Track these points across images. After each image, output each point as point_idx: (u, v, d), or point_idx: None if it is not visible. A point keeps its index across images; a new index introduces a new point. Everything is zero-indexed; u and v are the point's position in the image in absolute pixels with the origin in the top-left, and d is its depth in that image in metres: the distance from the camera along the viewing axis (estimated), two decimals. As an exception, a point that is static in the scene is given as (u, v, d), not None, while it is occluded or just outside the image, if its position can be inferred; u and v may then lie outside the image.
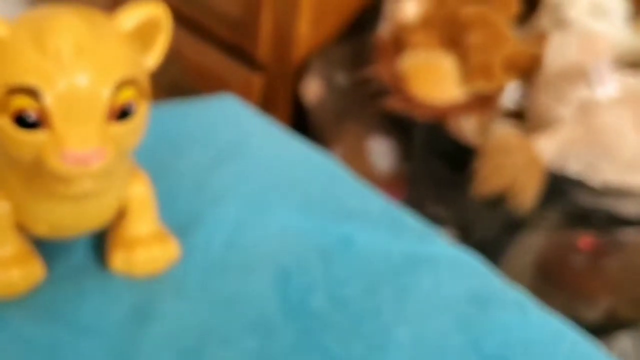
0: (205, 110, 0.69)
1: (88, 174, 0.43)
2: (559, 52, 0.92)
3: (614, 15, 0.98)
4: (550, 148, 0.87)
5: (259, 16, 1.17)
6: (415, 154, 0.97)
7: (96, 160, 0.42)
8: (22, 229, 0.48)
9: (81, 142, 0.42)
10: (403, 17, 1.04)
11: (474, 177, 0.89)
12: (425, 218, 0.93)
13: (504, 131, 0.89)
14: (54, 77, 0.41)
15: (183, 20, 1.30)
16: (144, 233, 0.50)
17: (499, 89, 0.96)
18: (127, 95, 0.43)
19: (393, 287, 0.51)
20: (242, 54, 1.21)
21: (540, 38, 0.96)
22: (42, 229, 0.48)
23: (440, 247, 0.56)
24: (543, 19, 1.00)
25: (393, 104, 0.99)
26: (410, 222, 0.59)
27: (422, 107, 0.97)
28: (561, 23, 0.97)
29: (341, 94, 1.08)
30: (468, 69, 0.97)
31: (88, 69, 0.42)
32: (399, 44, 1.03)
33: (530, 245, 0.92)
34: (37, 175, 0.44)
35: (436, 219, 0.96)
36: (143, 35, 0.45)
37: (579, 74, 0.87)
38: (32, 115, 0.41)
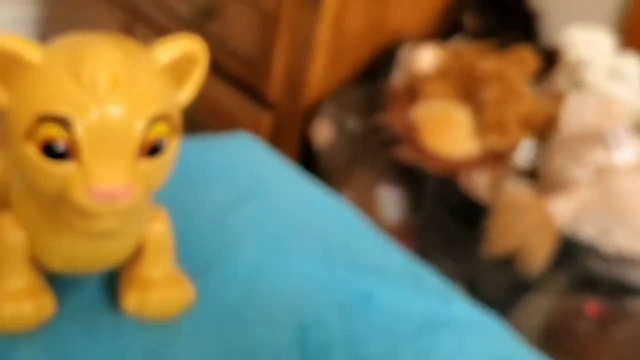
0: (223, 148, 0.68)
1: (113, 212, 0.41)
2: (576, 113, 0.91)
3: (632, 80, 0.98)
4: (565, 210, 0.85)
5: (273, 55, 1.16)
6: (425, 206, 0.96)
7: (124, 198, 0.40)
8: (35, 261, 0.46)
9: (110, 177, 0.40)
10: (419, 67, 1.04)
11: (485, 235, 0.87)
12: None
13: (517, 189, 0.88)
14: (87, 107, 0.39)
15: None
16: (159, 275, 0.48)
17: (513, 146, 0.95)
18: (160, 130, 0.41)
19: (414, 349, 0.49)
20: (253, 91, 1.20)
21: (557, 98, 0.96)
22: (56, 264, 0.46)
23: (462, 308, 0.55)
24: (560, 79, 1.00)
25: (404, 153, 0.98)
26: (431, 280, 0.58)
27: (434, 159, 0.96)
28: (579, 84, 0.97)
29: (352, 139, 1.06)
30: (482, 124, 0.96)
31: (123, 101, 0.40)
32: (413, 93, 1.02)
33: (538, 308, 0.90)
34: (58, 207, 0.42)
35: (443, 274, 0.94)
36: (178, 69, 0.43)
37: (596, 137, 0.87)
38: (61, 145, 0.40)
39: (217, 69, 1.25)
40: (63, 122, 0.39)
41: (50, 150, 0.40)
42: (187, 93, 0.44)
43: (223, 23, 1.25)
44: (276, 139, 1.19)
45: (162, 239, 0.49)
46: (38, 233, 0.45)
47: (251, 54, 1.20)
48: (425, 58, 1.04)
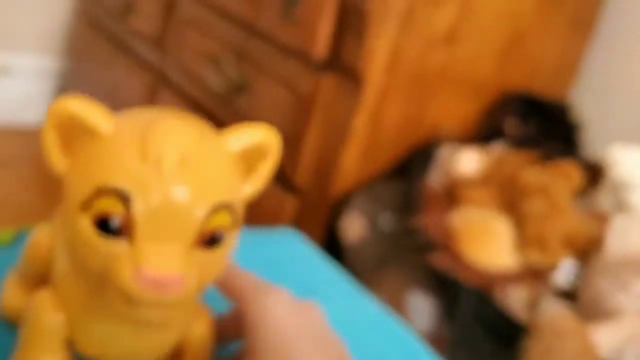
0: (269, 245, 0.64)
1: (160, 302, 0.37)
2: (621, 236, 0.87)
3: (678, 206, 0.95)
4: (608, 340, 0.81)
5: (304, 138, 1.13)
6: (458, 318, 0.91)
7: (175, 288, 0.37)
8: (70, 343, 0.42)
9: (163, 263, 0.37)
10: (460, 170, 1.00)
11: (522, 356, 0.82)
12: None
13: (558, 312, 0.83)
14: (150, 185, 0.37)
15: (217, 125, 1.26)
16: None
17: (553, 265, 0.91)
18: (221, 220, 0.38)
19: None
20: (279, 173, 1.16)
21: (600, 217, 0.92)
22: (91, 350, 0.42)
23: None
24: (603, 197, 0.97)
25: (439, 260, 0.93)
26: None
27: (470, 269, 0.92)
28: (623, 206, 0.93)
29: (384, 238, 1.02)
30: (523, 238, 0.92)
31: (188, 184, 0.37)
32: (452, 196, 0.99)
33: None
34: (102, 288, 0.38)
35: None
36: (248, 159, 0.41)
37: (645, 266, 0.83)
38: (117, 221, 0.37)
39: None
40: (122, 197, 0.37)
41: (104, 225, 0.37)
42: (254, 186, 0.41)
43: (253, 100, 1.22)
44: (300, 226, 1.15)
45: (204, 343, 0.44)
46: (78, 314, 0.41)
47: (281, 135, 1.16)
48: (466, 161, 1.01)
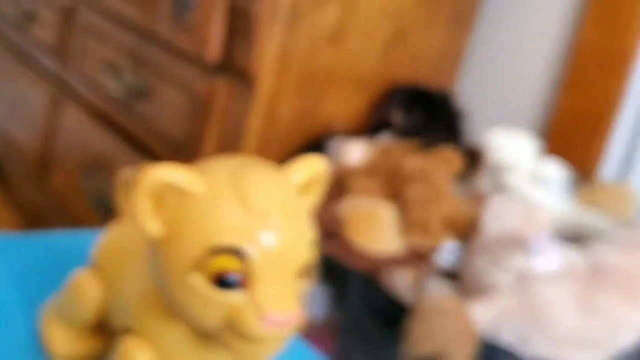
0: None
1: (281, 337, 0.41)
2: (497, 217, 0.92)
3: (553, 185, 1.00)
4: (485, 316, 0.85)
5: (202, 140, 1.16)
6: (348, 305, 0.95)
7: (292, 323, 0.41)
8: None
9: (281, 305, 0.40)
10: (347, 161, 1.04)
11: (406, 337, 0.86)
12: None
13: (438, 293, 0.88)
14: (261, 237, 0.40)
15: (127, 137, 1.28)
16: None
17: (435, 247, 0.95)
18: (314, 252, 0.42)
19: None
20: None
21: (479, 199, 0.97)
22: None
23: None
24: (483, 180, 1.02)
25: (330, 248, 0.97)
26: None
27: (358, 255, 0.95)
28: (501, 187, 0.99)
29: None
30: (407, 222, 0.97)
31: (290, 227, 0.41)
32: (339, 187, 1.03)
33: (457, 412, 0.89)
34: (218, 332, 0.42)
35: (363, 375, 0.93)
36: (306, 186, 0.45)
37: (517, 242, 0.88)
38: (236, 276, 0.40)
39: (143, 150, 1.24)
40: (237, 253, 0.40)
41: (222, 282, 0.40)
42: (311, 209, 0.45)
43: (152, 105, 1.24)
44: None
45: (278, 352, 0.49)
46: (172, 356, 0.44)
47: (180, 137, 1.19)
48: (353, 153, 1.05)
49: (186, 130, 1.18)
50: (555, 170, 1.01)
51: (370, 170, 1.02)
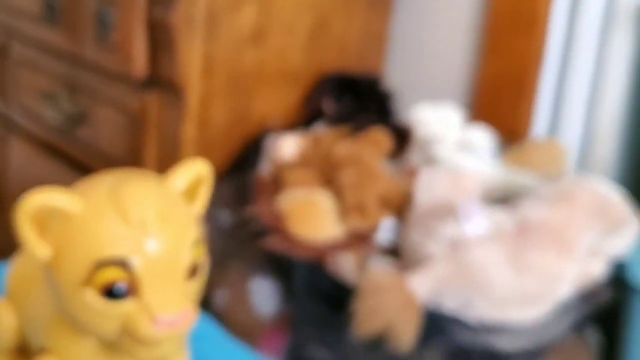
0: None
1: (175, 336, 0.44)
2: (427, 189, 0.94)
3: (481, 151, 1.02)
4: (424, 286, 0.87)
5: (142, 156, 1.17)
6: (296, 295, 0.97)
7: (186, 321, 0.43)
8: None
9: (171, 306, 0.43)
10: (281, 156, 1.06)
11: (352, 318, 0.88)
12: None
13: (377, 270, 0.90)
14: (143, 246, 0.43)
15: (65, 158, 1.29)
16: None
17: (374, 226, 0.97)
18: (199, 252, 0.45)
19: None
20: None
21: (411, 174, 0.99)
22: None
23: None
24: (414, 156, 1.04)
25: (273, 243, 0.99)
26: None
27: (301, 246, 0.97)
28: (430, 160, 1.01)
29: (225, 234, 1.07)
30: (344, 207, 0.98)
31: (170, 233, 0.44)
32: (277, 183, 1.04)
33: (413, 384, 0.91)
34: (116, 341, 0.44)
35: (319, 361, 0.94)
36: (191, 190, 0.48)
37: (447, 211, 0.90)
38: (123, 286, 0.42)
39: (89, 173, 1.25)
40: (122, 264, 0.42)
41: (111, 293, 0.42)
42: (198, 210, 0.48)
43: (92, 128, 1.25)
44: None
45: (184, 351, 0.51)
46: None
47: (121, 156, 1.20)
48: (286, 147, 1.07)
49: (125, 148, 1.19)
50: (482, 137, 1.03)
51: (304, 161, 1.04)
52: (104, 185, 0.45)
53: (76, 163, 1.29)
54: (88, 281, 0.42)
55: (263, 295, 0.99)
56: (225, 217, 1.08)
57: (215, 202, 1.13)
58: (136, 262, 0.42)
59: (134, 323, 0.43)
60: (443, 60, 1.23)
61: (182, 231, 0.44)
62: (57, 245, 0.44)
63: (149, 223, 0.43)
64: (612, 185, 0.94)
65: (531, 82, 1.12)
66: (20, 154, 1.44)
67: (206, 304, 1.02)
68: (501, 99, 1.14)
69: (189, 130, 1.14)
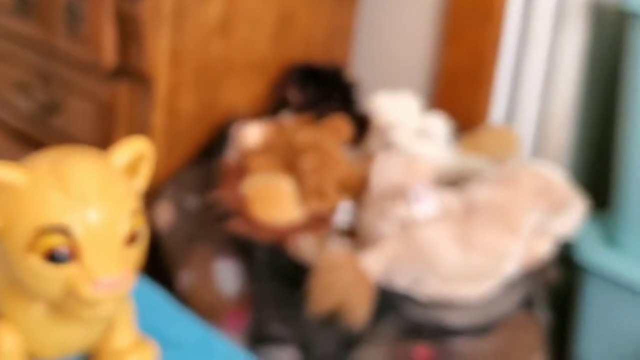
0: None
1: (115, 298, 0.48)
2: (383, 172, 0.98)
3: (437, 138, 1.06)
4: (376, 264, 0.91)
5: (113, 143, 1.20)
6: (258, 276, 1.00)
7: (124, 284, 0.47)
8: (29, 355, 0.52)
9: (110, 269, 0.47)
10: (245, 143, 1.10)
11: (308, 296, 0.92)
12: (268, 339, 0.96)
13: (332, 250, 0.94)
14: (82, 214, 0.47)
15: (38, 147, 1.33)
16: (129, 342, 0.55)
17: (332, 209, 1.01)
18: (137, 221, 0.49)
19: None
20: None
21: (369, 160, 1.03)
22: (51, 353, 0.52)
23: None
24: (373, 142, 1.08)
25: (236, 226, 1.03)
26: (222, 346, 0.62)
27: (263, 228, 1.01)
28: (388, 146, 1.05)
29: (191, 218, 1.11)
30: (304, 191, 1.02)
31: (109, 204, 0.48)
32: (242, 168, 1.08)
33: None
34: (60, 303, 0.48)
35: (278, 339, 0.98)
36: (132, 165, 0.52)
37: (398, 193, 0.94)
38: (64, 251, 0.47)
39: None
40: (63, 231, 0.47)
41: (53, 257, 0.47)
42: (140, 184, 0.53)
43: (65, 117, 1.29)
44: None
45: (128, 311, 0.56)
46: (35, 330, 0.51)
47: (93, 144, 1.23)
48: (251, 134, 1.11)
49: (97, 137, 1.23)
50: (438, 124, 1.07)
51: (268, 148, 1.08)
52: (48, 160, 0.50)
53: (40, 145, 1.32)
54: (32, 247, 0.47)
55: (227, 276, 1.03)
56: (192, 202, 1.12)
57: (183, 187, 1.17)
58: (76, 229, 0.47)
59: (75, 285, 0.47)
60: (406, 51, 1.27)
61: (120, 202, 0.49)
62: (5, 215, 0.48)
63: (89, 194, 0.48)
64: (557, 169, 0.98)
65: (488, 72, 1.16)
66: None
67: (172, 284, 1.06)
68: (460, 87, 1.18)
69: (158, 119, 1.18)
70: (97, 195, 0.48)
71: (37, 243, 0.47)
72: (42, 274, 0.47)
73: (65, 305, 0.49)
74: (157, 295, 0.70)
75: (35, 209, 0.47)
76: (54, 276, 0.47)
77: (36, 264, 0.47)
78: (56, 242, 0.47)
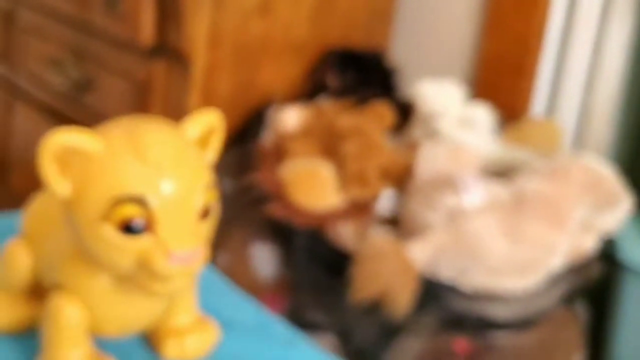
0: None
1: (188, 272, 0.46)
2: (428, 161, 0.97)
3: (482, 128, 1.05)
4: (422, 254, 0.90)
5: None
6: (296, 261, 0.99)
7: (197, 259, 0.46)
8: (91, 331, 0.51)
9: (184, 243, 0.45)
10: (284, 127, 1.08)
11: (350, 284, 0.91)
12: (306, 325, 0.95)
13: (377, 238, 0.92)
14: (159, 185, 0.45)
15: (70, 124, 1.31)
16: (189, 320, 0.54)
17: (374, 196, 0.99)
18: (211, 196, 0.48)
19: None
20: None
21: (413, 148, 1.02)
22: (113, 329, 0.51)
23: (307, 353, 0.58)
24: (416, 130, 1.06)
25: (274, 210, 1.01)
26: (279, 329, 0.61)
27: (302, 214, 1.00)
28: (432, 134, 1.03)
29: (227, 201, 1.09)
30: (345, 177, 1.01)
31: (185, 176, 0.46)
32: (280, 152, 1.07)
33: (408, 350, 0.94)
34: (131, 276, 0.47)
35: (316, 326, 0.97)
36: (203, 138, 0.51)
37: (446, 183, 0.92)
38: (140, 222, 0.45)
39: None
40: (139, 201, 0.45)
41: (128, 228, 0.45)
42: (211, 157, 0.52)
43: (98, 95, 1.27)
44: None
45: (190, 289, 0.55)
46: (98, 305, 0.50)
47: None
48: (289, 118, 1.09)
49: (129, 110, 1.21)
50: (482, 113, 1.05)
51: (307, 132, 1.07)
52: (123, 128, 0.48)
53: (65, 119, 1.31)
54: (106, 217, 0.45)
55: (263, 260, 1.02)
56: (228, 185, 1.11)
57: (219, 170, 1.15)
58: (153, 200, 0.45)
59: (149, 257, 0.45)
60: (447, 38, 1.25)
61: (195, 174, 0.47)
62: (77, 183, 0.46)
63: (165, 164, 0.46)
64: (605, 163, 0.96)
65: (531, 62, 1.14)
66: (25, 120, 1.45)
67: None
68: (502, 77, 1.17)
69: (194, 100, 1.16)
70: (174, 166, 0.46)
71: (112, 213, 0.45)
72: (116, 244, 0.45)
73: (136, 279, 0.47)
74: (211, 274, 0.68)
75: (111, 177, 0.46)
76: (128, 247, 0.45)
77: (110, 234, 0.45)
78: (132, 212, 0.45)
